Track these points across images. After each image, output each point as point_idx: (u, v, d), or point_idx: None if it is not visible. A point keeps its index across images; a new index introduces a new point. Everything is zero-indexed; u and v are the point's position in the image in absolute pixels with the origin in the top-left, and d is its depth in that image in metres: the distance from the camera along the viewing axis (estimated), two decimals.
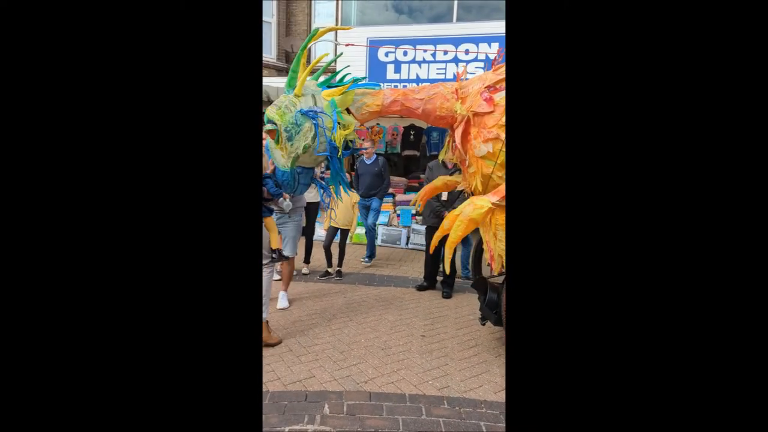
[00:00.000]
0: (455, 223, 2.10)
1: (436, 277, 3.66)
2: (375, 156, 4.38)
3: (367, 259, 4.37)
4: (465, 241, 3.81)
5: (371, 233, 4.36)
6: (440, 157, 2.93)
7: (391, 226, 5.42)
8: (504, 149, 2.14)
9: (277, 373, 2.17)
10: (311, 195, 3.49)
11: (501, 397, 2.04)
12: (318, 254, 4.05)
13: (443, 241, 2.11)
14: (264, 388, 2.01)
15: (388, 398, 1.98)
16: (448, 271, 2.21)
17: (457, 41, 5.08)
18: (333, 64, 2.43)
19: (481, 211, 2.07)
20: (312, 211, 3.86)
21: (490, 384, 2.15)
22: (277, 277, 3.22)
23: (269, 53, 7.24)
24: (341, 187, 2.43)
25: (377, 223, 4.58)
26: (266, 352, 2.38)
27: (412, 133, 5.77)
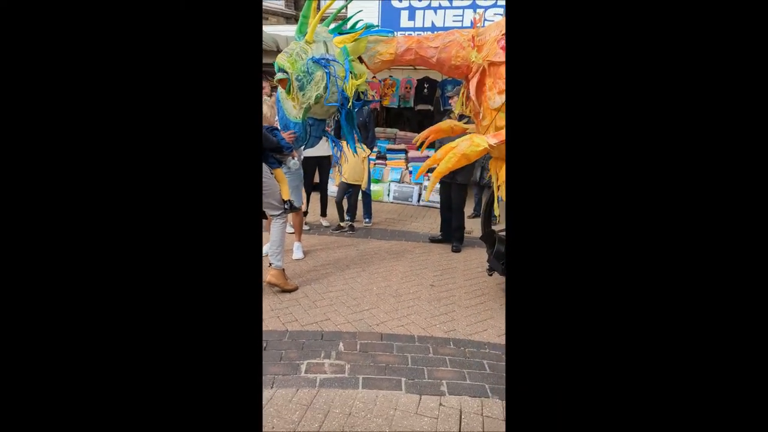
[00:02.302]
0: (447, 155, 2.12)
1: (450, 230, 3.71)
2: (361, 103, 4.20)
3: (367, 220, 4.27)
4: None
5: (367, 197, 4.20)
6: (455, 110, 2.90)
7: (403, 183, 5.45)
8: None
9: (295, 315, 2.33)
10: (324, 149, 3.51)
11: (504, 340, 2.17)
12: (332, 207, 4.14)
13: (448, 205, 2.10)
14: (283, 328, 2.19)
15: (398, 339, 2.14)
16: (427, 197, 2.26)
17: None
18: (344, 9, 2.37)
19: (476, 149, 2.08)
20: (324, 165, 3.89)
21: (494, 329, 2.29)
22: (290, 230, 3.34)
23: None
24: (353, 140, 2.45)
25: (374, 179, 4.37)
26: (284, 297, 2.54)
27: (426, 86, 5.63)
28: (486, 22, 4.43)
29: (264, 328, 2.17)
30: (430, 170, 2.36)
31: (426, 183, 5.26)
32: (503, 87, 2.14)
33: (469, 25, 4.64)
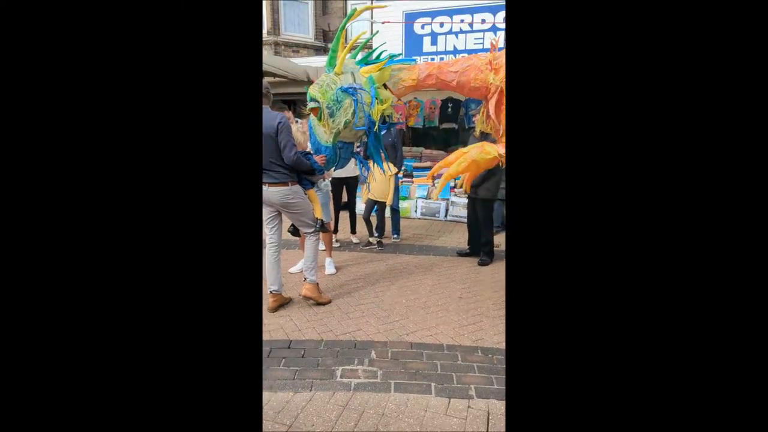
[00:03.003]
0: (459, 159, 2.25)
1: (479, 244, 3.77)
2: (387, 126, 4.37)
3: (395, 236, 4.41)
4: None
5: (395, 213, 4.35)
6: (477, 128, 3.04)
7: (430, 199, 5.57)
8: None
9: (329, 326, 2.47)
10: (351, 169, 3.71)
11: None
12: (361, 225, 4.31)
13: (474, 219, 2.09)
14: (318, 337, 2.33)
15: (428, 347, 2.23)
16: (435, 197, 2.40)
17: (494, 9, 4.99)
18: (370, 41, 2.59)
19: (486, 157, 2.21)
20: (351, 185, 4.09)
21: None
22: (321, 247, 3.53)
23: (307, 33, 7.44)
24: (380, 160, 2.63)
25: (402, 197, 4.48)
26: (318, 309, 2.70)
27: (450, 105, 5.80)
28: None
29: (301, 337, 2.33)
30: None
31: (452, 198, 5.36)
32: None
33: (488, 48, 4.81)
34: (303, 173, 2.67)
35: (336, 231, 4.11)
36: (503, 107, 2.37)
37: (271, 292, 2.68)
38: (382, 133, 4.16)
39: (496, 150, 2.20)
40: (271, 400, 1.77)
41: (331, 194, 3.60)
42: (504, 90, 2.34)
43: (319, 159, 2.54)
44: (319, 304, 2.76)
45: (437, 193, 2.37)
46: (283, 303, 2.73)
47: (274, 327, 2.46)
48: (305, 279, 2.76)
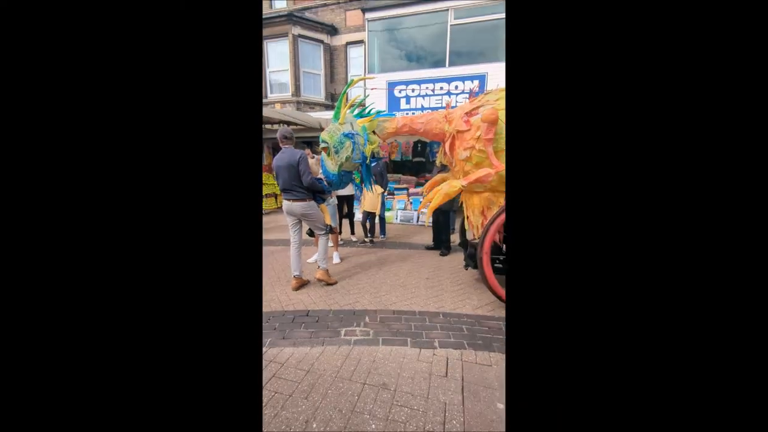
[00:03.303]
0: (436, 195, 2.30)
1: (441, 239, 3.81)
2: (376, 160, 4.40)
3: (382, 235, 4.46)
4: (447, 221, 3.86)
5: (382, 220, 4.43)
6: (438, 161, 3.09)
7: (406, 209, 5.60)
8: (478, 153, 2.28)
9: (336, 300, 2.45)
10: (349, 189, 3.74)
11: (477, 312, 2.24)
12: (358, 228, 4.28)
13: (437, 224, 2.18)
14: (328, 308, 2.31)
15: (405, 313, 2.22)
16: (426, 223, 2.45)
17: (449, 80, 5.11)
18: (363, 101, 2.63)
19: (454, 189, 2.26)
20: (350, 201, 4.12)
21: (469, 305, 2.35)
22: (330, 244, 3.51)
23: (320, 95, 7.47)
24: (370, 183, 2.65)
25: (387, 208, 4.52)
26: (329, 288, 2.67)
27: (419, 145, 5.88)
28: (456, 103, 4.71)
29: (315, 308, 2.29)
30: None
31: (422, 210, 5.39)
32: (466, 146, 2.32)
33: (443, 106, 4.92)
34: (316, 192, 2.68)
35: (341, 232, 4.10)
36: (455, 147, 2.42)
37: (294, 276, 2.65)
38: (372, 164, 4.20)
39: (459, 183, 2.26)
40: (295, 353, 1.74)
41: (337, 207, 3.60)
42: (455, 136, 2.40)
43: (327, 183, 2.55)
44: (328, 284, 2.72)
45: (428, 219, 2.44)
46: (303, 284, 2.69)
47: (296, 301, 2.43)
48: (318, 267, 2.73)
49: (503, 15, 4.94)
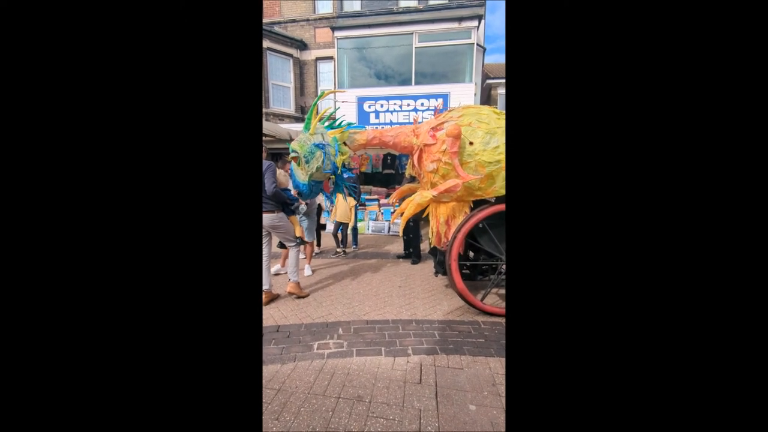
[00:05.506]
0: (408, 206, 2.35)
1: (409, 250, 3.87)
2: (345, 170, 4.39)
3: (354, 246, 4.43)
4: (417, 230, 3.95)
5: (355, 231, 4.42)
6: (407, 172, 3.16)
7: (378, 220, 5.62)
8: (444, 165, 2.38)
9: (308, 313, 2.35)
10: (319, 200, 3.66)
11: (446, 317, 2.27)
12: (328, 238, 4.19)
13: (407, 234, 2.23)
14: (300, 322, 2.20)
15: (378, 323, 2.19)
16: (401, 233, 2.47)
17: (415, 97, 5.33)
18: (334, 113, 2.64)
19: (425, 199, 2.33)
20: (318, 212, 4.01)
21: (440, 311, 2.38)
22: (302, 256, 3.39)
23: (289, 107, 7.37)
24: (343, 192, 2.63)
25: (359, 219, 4.54)
26: (300, 301, 2.56)
27: (389, 158, 6.00)
28: (423, 119, 4.91)
29: (286, 323, 2.18)
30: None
31: (395, 220, 5.44)
32: (433, 158, 2.41)
33: (411, 121, 5.11)
34: (281, 203, 2.59)
35: (320, 244, 4.01)
36: (422, 159, 2.50)
37: (263, 290, 2.50)
38: (345, 176, 4.18)
39: (430, 194, 2.33)
40: (264, 372, 1.63)
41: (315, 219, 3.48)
42: (422, 149, 2.48)
43: (294, 192, 2.50)
44: (299, 297, 2.61)
45: (401, 230, 2.44)
46: (272, 298, 2.55)
47: (266, 317, 2.29)
48: (289, 280, 2.61)
49: (464, 41, 5.32)
